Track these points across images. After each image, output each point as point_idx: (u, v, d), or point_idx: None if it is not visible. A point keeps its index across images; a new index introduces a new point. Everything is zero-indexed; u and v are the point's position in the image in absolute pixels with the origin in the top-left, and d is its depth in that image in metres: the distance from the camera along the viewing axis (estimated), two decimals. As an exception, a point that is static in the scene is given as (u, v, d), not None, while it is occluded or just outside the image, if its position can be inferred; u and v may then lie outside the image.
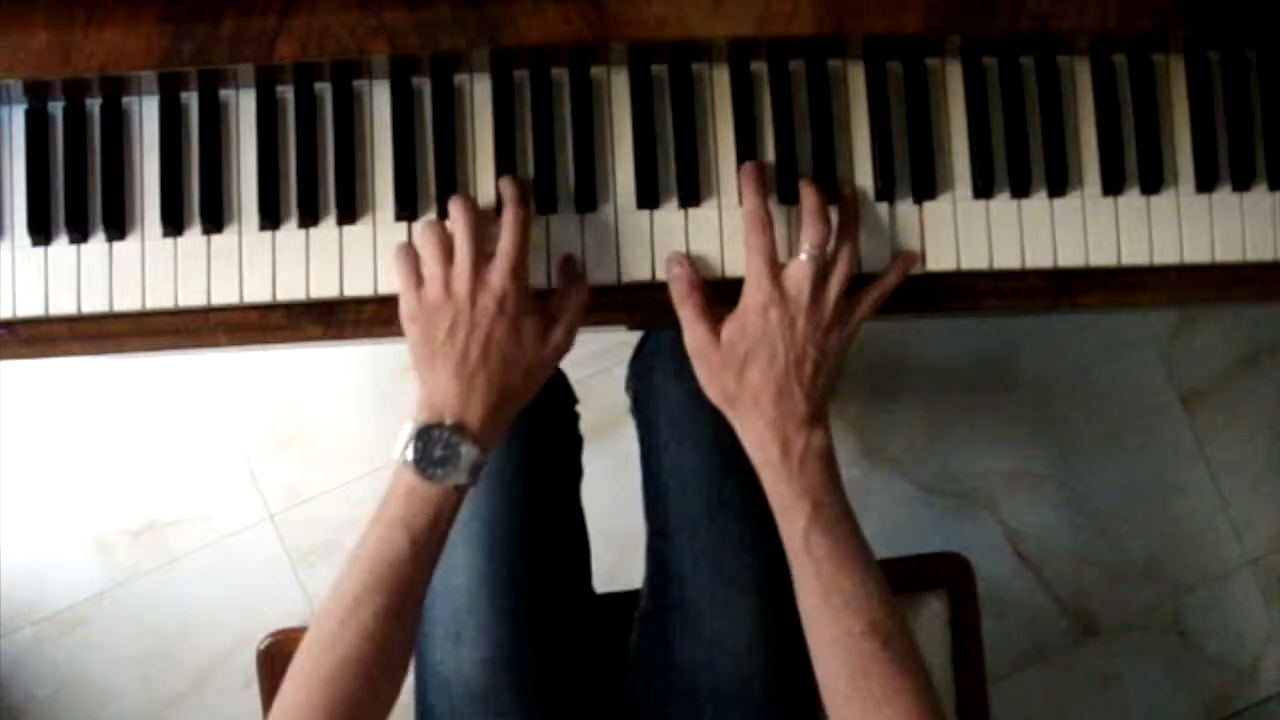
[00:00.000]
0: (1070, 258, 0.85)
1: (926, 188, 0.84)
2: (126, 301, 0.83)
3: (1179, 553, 1.65)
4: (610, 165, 0.84)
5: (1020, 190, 0.85)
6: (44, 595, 1.60)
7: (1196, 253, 0.85)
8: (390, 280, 0.82)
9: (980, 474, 1.64)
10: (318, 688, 0.73)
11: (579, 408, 1.05)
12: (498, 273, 0.78)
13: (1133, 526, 1.65)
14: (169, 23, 0.79)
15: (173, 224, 0.83)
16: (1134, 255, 0.85)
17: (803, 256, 0.79)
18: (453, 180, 0.83)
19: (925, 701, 0.74)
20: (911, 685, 0.75)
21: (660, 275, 0.83)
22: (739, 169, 0.83)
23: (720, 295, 0.82)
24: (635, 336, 1.07)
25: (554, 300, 0.81)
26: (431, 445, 0.76)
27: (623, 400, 1.08)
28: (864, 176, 0.85)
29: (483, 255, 0.78)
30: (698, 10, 0.80)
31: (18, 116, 0.84)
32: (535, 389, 0.81)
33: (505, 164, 0.84)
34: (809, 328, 0.79)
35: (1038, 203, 0.85)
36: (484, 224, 0.80)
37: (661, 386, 0.98)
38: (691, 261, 0.83)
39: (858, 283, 0.83)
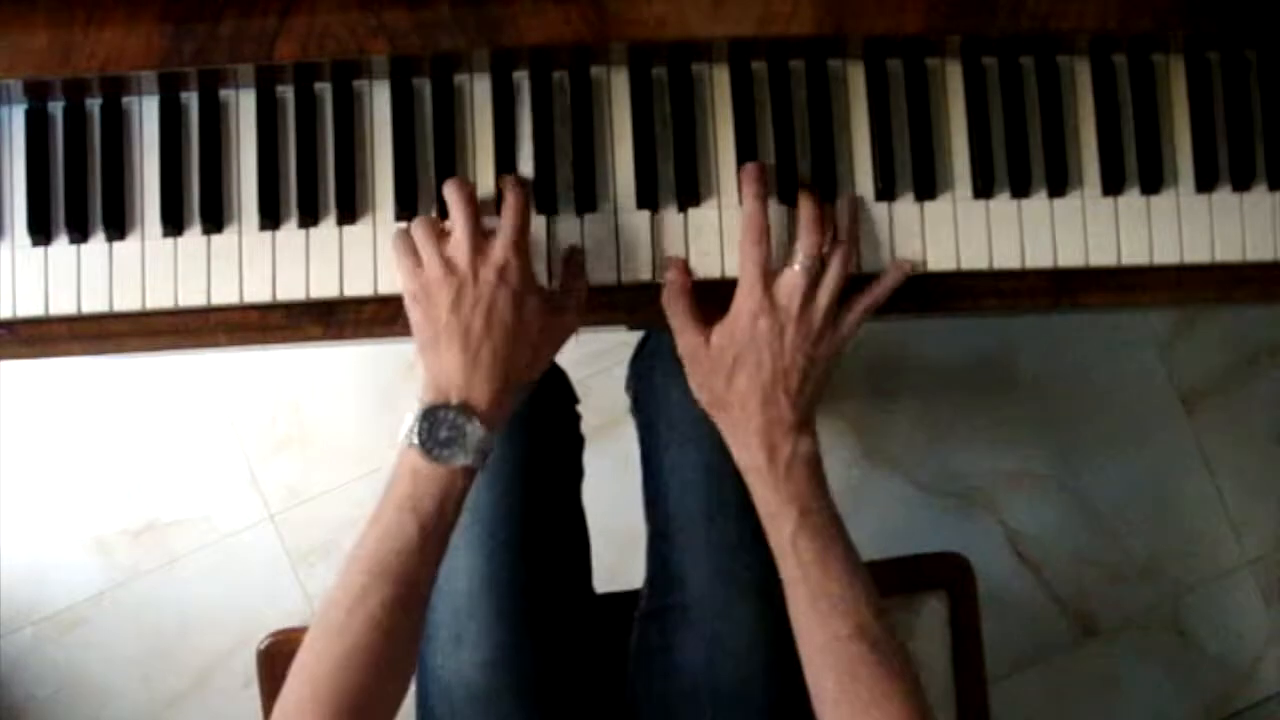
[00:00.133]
0: (1070, 258, 0.85)
1: (926, 188, 0.84)
2: (126, 301, 0.83)
3: (1179, 553, 1.65)
4: (610, 165, 0.84)
5: (1020, 190, 0.85)
6: (44, 595, 1.60)
7: (1196, 253, 0.85)
8: (391, 280, 0.82)
9: (980, 474, 1.64)
10: (324, 678, 0.72)
11: (580, 408, 1.05)
12: (499, 245, 0.78)
13: (1133, 526, 1.65)
14: (169, 23, 0.79)
15: (173, 224, 0.83)
16: (1134, 255, 0.85)
17: (796, 267, 0.80)
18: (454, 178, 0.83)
19: (913, 703, 0.74)
20: (900, 687, 0.75)
21: (661, 275, 0.83)
22: (740, 169, 0.83)
23: (720, 295, 0.82)
24: (635, 336, 1.07)
25: (561, 284, 0.82)
26: (437, 426, 0.75)
27: (623, 400, 1.08)
28: (864, 176, 0.85)
29: (481, 231, 0.78)
30: (698, 10, 0.80)
31: (18, 116, 0.84)
32: (539, 369, 0.81)
33: (505, 164, 0.84)
34: (798, 337, 0.79)
35: (1038, 203, 0.85)
36: (484, 213, 0.80)
37: (662, 387, 0.98)
38: (687, 267, 0.83)
39: (857, 282, 0.83)
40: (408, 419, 0.76)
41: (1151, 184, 0.85)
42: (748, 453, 0.80)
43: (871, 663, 0.75)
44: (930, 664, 1.07)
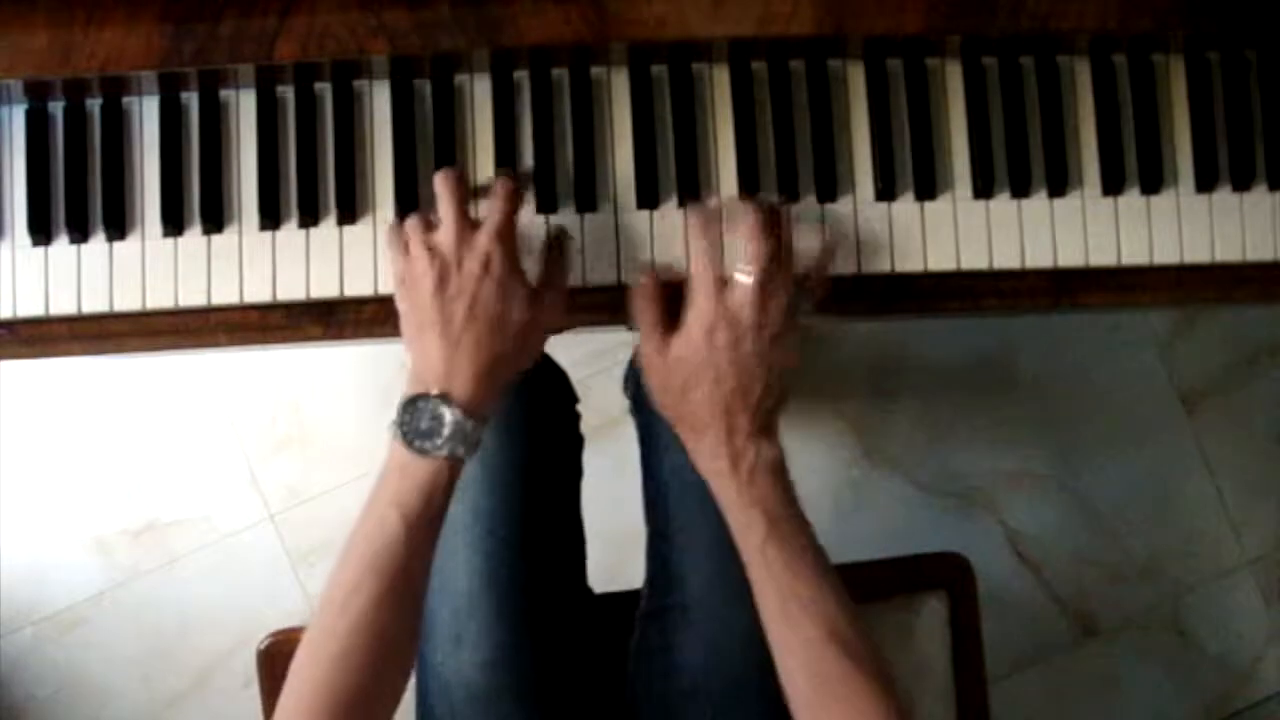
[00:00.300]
0: (1070, 258, 0.85)
1: (926, 188, 0.84)
2: (127, 301, 0.83)
3: (1179, 553, 1.65)
4: (610, 165, 0.84)
5: (1020, 190, 0.85)
6: (44, 595, 1.60)
7: (1196, 253, 0.85)
8: (390, 280, 0.82)
9: (980, 474, 1.64)
10: (320, 679, 0.72)
11: (580, 407, 1.05)
12: (483, 234, 0.77)
13: (1133, 526, 1.65)
14: (169, 23, 0.79)
15: (173, 224, 0.83)
16: (1134, 255, 0.85)
17: (746, 279, 0.78)
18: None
19: (885, 704, 0.74)
20: (871, 688, 0.74)
21: (661, 275, 0.83)
22: (689, 210, 0.82)
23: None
24: (635, 336, 1.07)
25: (543, 274, 0.81)
26: (417, 416, 0.75)
27: (622, 400, 1.09)
28: (864, 176, 0.85)
29: (467, 220, 0.78)
30: (698, 10, 0.80)
31: (18, 116, 0.84)
32: (525, 361, 0.80)
33: (505, 164, 0.84)
34: (755, 347, 0.79)
35: (1038, 203, 0.85)
36: (483, 197, 0.80)
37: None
38: (656, 273, 0.82)
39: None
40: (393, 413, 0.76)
41: (1151, 184, 0.85)
42: (709, 461, 0.80)
43: (843, 665, 0.75)
44: (930, 664, 1.07)
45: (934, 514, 1.63)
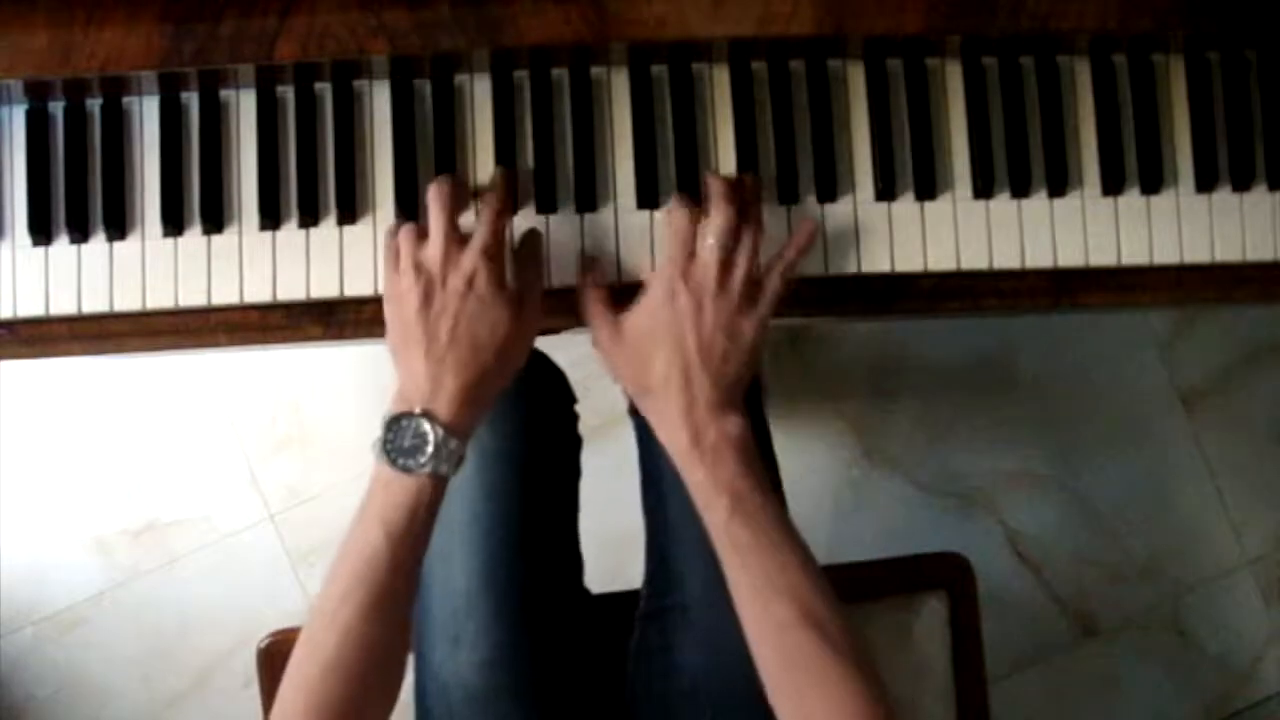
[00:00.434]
0: (1070, 258, 0.85)
1: (926, 188, 0.84)
2: (127, 301, 0.83)
3: (1179, 553, 1.65)
4: (610, 165, 0.84)
5: (1020, 190, 0.85)
6: (44, 595, 1.60)
7: (1196, 253, 0.85)
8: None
9: (980, 474, 1.64)
10: (310, 689, 0.73)
11: (578, 407, 1.05)
12: (469, 253, 0.77)
13: (1133, 526, 1.65)
14: (169, 23, 0.79)
15: (173, 224, 0.83)
16: (1134, 255, 0.85)
17: (710, 241, 0.78)
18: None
19: (857, 685, 0.72)
20: (852, 676, 0.72)
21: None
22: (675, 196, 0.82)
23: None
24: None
25: (517, 278, 0.80)
26: (401, 435, 0.75)
27: (621, 400, 1.08)
28: (864, 176, 0.85)
29: (456, 236, 0.78)
30: (698, 10, 0.80)
31: (18, 116, 0.84)
32: (512, 370, 0.80)
33: (505, 164, 0.84)
34: (717, 312, 0.78)
35: (1038, 203, 0.85)
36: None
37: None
38: (597, 264, 0.83)
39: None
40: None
41: (1151, 184, 0.85)
42: (672, 436, 0.78)
43: (818, 649, 0.73)
44: (930, 664, 1.07)
45: (934, 514, 1.63)
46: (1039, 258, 0.84)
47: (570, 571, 1.00)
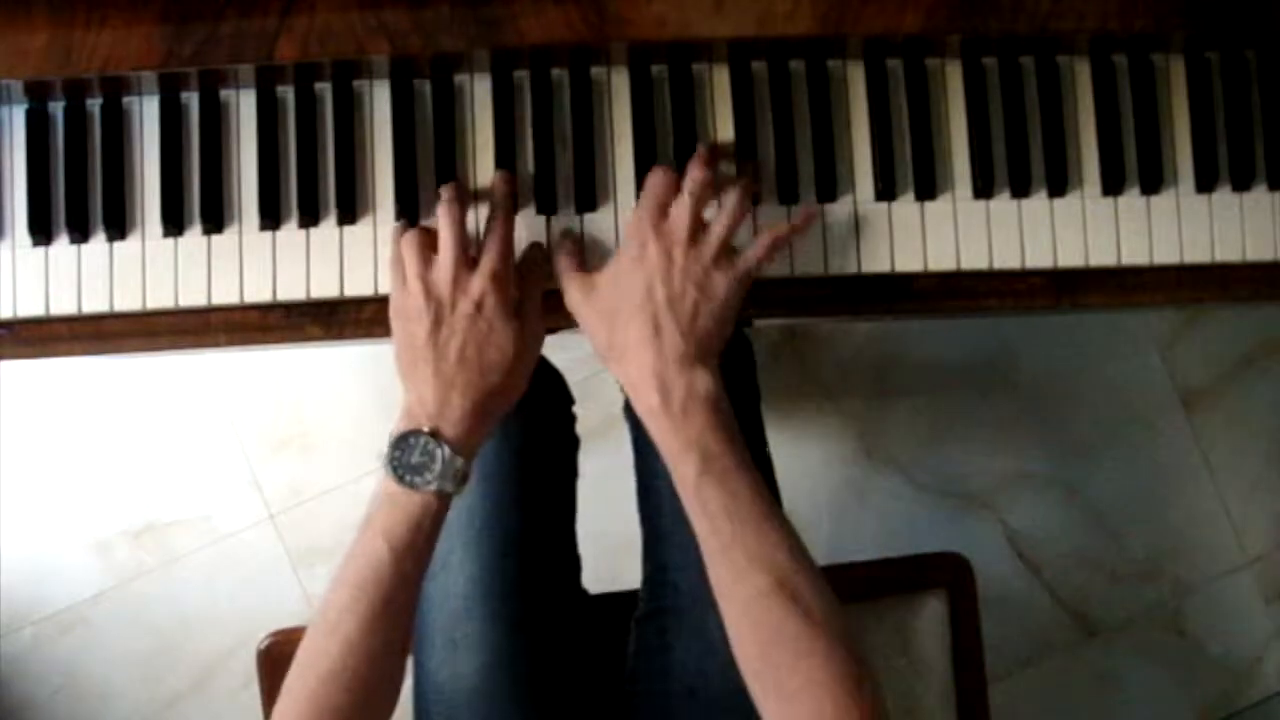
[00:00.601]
0: (1070, 258, 0.85)
1: (926, 188, 0.84)
2: (127, 301, 0.83)
3: (1179, 553, 1.65)
4: (610, 165, 0.84)
5: (1020, 190, 0.85)
6: (44, 595, 1.60)
7: (1196, 253, 0.85)
8: (390, 283, 0.82)
9: (980, 474, 1.64)
10: (311, 695, 0.74)
11: (576, 409, 1.05)
12: (477, 276, 0.77)
13: (1133, 526, 1.65)
14: (169, 23, 0.79)
15: (173, 224, 0.83)
16: (1134, 255, 0.85)
17: (684, 194, 0.78)
18: (453, 180, 0.83)
19: (836, 658, 0.70)
20: (832, 652, 0.70)
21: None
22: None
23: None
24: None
25: (520, 291, 0.80)
26: (408, 452, 0.76)
27: (619, 401, 1.08)
28: (864, 176, 0.85)
29: (465, 256, 0.78)
30: (698, 10, 0.80)
31: (18, 116, 0.84)
32: (519, 388, 0.80)
33: (505, 164, 0.84)
34: (688, 263, 0.77)
35: (1038, 203, 0.85)
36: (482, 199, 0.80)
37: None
38: (572, 233, 0.83)
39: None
40: (384, 444, 0.77)
41: (1151, 184, 0.85)
42: (641, 394, 0.77)
43: (796, 622, 0.71)
44: (930, 664, 1.07)
45: (934, 514, 1.63)
46: (1039, 258, 0.84)
47: (568, 572, 1.00)
